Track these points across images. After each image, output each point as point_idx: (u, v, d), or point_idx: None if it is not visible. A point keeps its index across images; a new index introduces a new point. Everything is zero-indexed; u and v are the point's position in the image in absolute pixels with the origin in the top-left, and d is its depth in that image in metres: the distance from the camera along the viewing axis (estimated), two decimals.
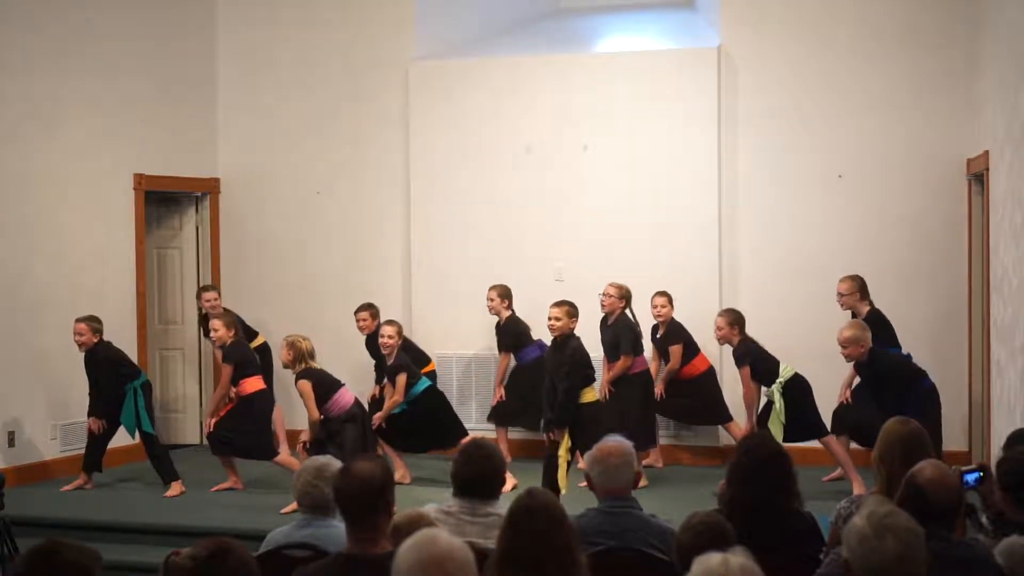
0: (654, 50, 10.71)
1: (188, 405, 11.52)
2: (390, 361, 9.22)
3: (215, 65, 11.61)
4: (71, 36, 10.18)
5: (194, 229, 11.56)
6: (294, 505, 6.25)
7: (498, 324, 10.06)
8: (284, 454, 9.42)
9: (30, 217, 9.87)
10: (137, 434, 9.45)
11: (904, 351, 8.80)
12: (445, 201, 10.91)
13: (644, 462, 9.17)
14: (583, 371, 8.19)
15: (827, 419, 8.82)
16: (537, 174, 10.68)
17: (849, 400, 8.94)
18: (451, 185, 10.89)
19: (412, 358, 9.42)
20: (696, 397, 9.75)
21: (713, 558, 3.15)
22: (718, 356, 9.90)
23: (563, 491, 7.74)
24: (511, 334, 9.97)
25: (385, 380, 9.39)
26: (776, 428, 8.48)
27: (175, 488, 9.23)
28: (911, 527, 3.40)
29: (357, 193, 11.28)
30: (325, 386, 8.76)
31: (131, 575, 7.18)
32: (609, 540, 4.68)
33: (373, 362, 10.11)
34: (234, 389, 9.15)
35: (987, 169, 8.82)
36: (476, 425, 10.08)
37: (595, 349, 9.03)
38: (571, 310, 8.29)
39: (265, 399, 9.39)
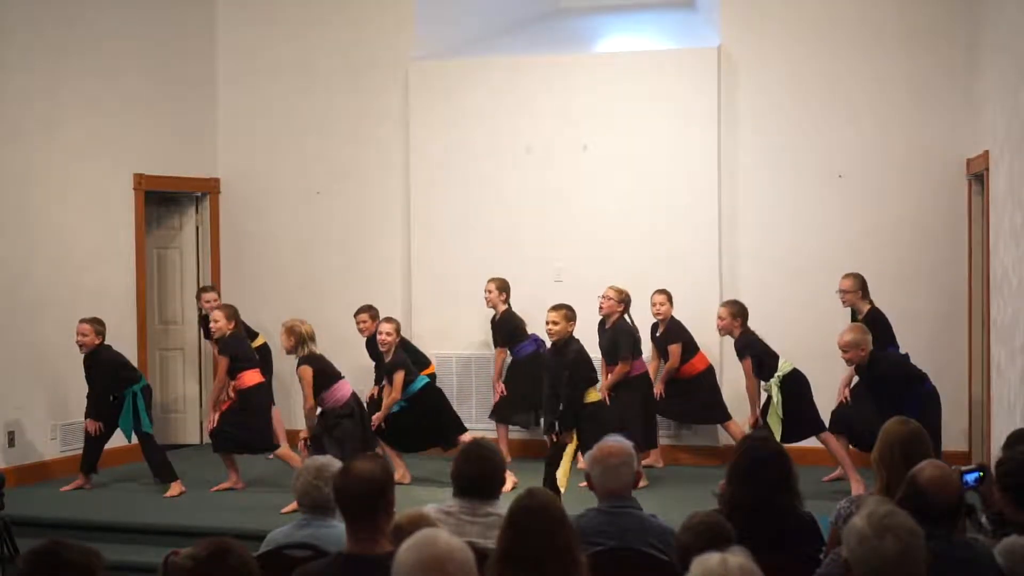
0: (654, 50, 10.71)
1: (188, 405, 11.53)
2: (388, 359, 9.22)
3: (215, 65, 11.61)
4: (71, 36, 10.17)
5: (194, 229, 11.56)
6: (294, 505, 6.25)
7: (493, 319, 10.07)
8: (284, 448, 9.43)
9: (30, 217, 9.87)
10: (134, 435, 9.46)
11: (903, 351, 8.80)
12: (445, 201, 10.91)
13: (644, 462, 9.16)
14: (586, 373, 8.23)
15: (826, 419, 8.81)
16: (537, 174, 10.68)
17: (848, 399, 8.93)
18: (451, 185, 10.89)
19: (412, 360, 9.41)
20: (695, 396, 9.75)
21: (712, 558, 3.15)
22: (718, 356, 9.91)
23: (563, 490, 7.75)
24: (507, 329, 9.98)
25: (384, 380, 9.39)
26: (774, 423, 8.50)
27: (175, 488, 9.23)
28: (911, 527, 3.40)
29: (357, 193, 11.27)
30: (326, 375, 8.78)
31: (131, 575, 7.17)
32: (609, 540, 4.68)
33: (373, 363, 10.10)
34: (232, 383, 9.16)
35: (987, 169, 8.81)
36: (476, 425, 10.07)
37: (594, 350, 9.02)
38: (569, 313, 8.31)
39: (263, 392, 9.42)
